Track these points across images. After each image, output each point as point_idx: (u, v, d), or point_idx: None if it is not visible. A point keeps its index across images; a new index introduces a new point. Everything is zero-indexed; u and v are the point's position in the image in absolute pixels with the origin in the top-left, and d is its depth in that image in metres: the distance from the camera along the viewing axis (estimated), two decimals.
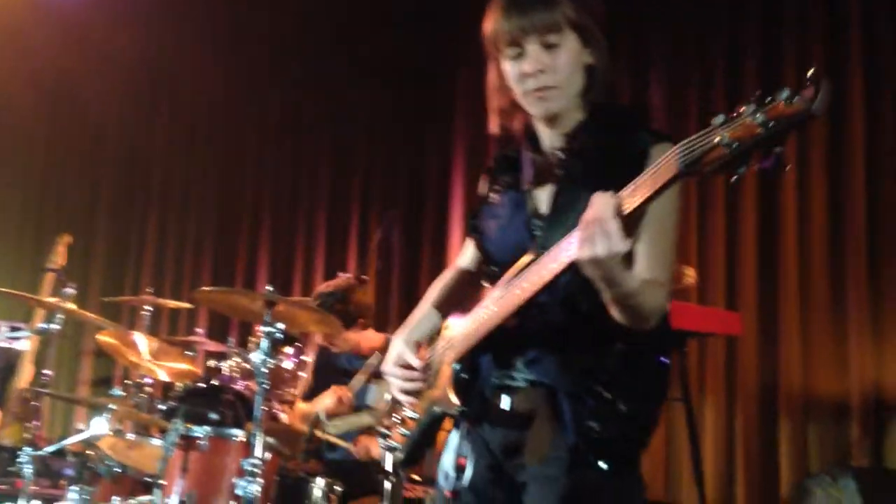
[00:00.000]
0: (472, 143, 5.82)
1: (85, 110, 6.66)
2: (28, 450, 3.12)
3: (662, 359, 1.56)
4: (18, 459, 3.12)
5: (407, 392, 1.69)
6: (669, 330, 1.58)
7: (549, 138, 1.62)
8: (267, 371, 2.87)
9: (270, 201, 6.37)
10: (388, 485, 3.13)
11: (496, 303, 1.53)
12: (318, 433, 3.28)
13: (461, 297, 1.79)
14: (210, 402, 4.50)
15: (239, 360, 5.03)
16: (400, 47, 6.01)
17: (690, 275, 3.41)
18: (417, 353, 1.69)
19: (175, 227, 6.53)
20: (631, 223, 1.31)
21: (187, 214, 6.51)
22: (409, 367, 1.67)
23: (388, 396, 3.26)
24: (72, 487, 2.97)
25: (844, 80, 4.38)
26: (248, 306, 2.95)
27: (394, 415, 1.77)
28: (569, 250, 1.36)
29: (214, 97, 6.54)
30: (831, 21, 4.47)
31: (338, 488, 3.22)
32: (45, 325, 3.30)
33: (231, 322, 6.09)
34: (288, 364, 5.03)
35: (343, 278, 3.89)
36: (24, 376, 4.93)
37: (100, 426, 3.17)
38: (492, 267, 1.65)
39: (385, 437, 1.78)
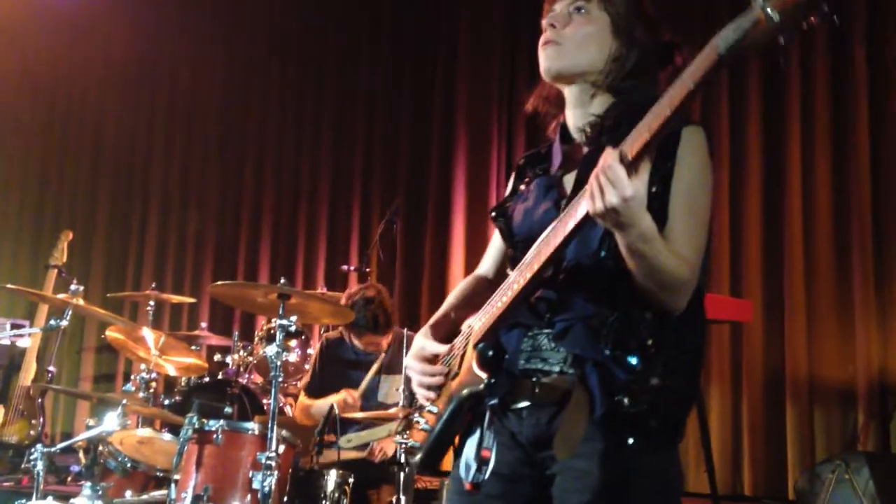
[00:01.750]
0: (474, 134, 5.82)
1: (83, 106, 6.63)
2: (40, 446, 3.09)
3: (699, 332, 1.52)
4: (31, 456, 3.08)
5: (428, 386, 1.63)
6: (703, 310, 1.53)
7: (577, 123, 1.62)
8: (279, 364, 2.86)
9: (271, 194, 6.35)
10: (401, 475, 3.13)
11: (517, 277, 1.49)
12: (339, 442, 3.25)
13: (479, 301, 1.69)
14: (216, 395, 4.51)
15: (243, 353, 5.04)
16: (400, 36, 6.01)
17: None
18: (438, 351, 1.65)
19: (176, 222, 6.50)
20: (640, 165, 1.30)
21: (188, 209, 6.49)
22: (429, 360, 1.63)
23: (399, 391, 3.27)
24: (85, 483, 2.94)
25: (849, 68, 4.40)
26: (262, 300, 2.94)
27: (414, 417, 1.70)
28: (580, 207, 1.35)
29: (213, 91, 6.52)
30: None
31: (351, 480, 3.22)
32: (54, 322, 3.27)
33: (234, 316, 6.08)
34: (293, 357, 5.05)
35: (371, 285, 3.86)
36: (28, 373, 4.91)
37: (112, 422, 3.15)
38: (515, 249, 1.62)
39: (403, 434, 1.72)
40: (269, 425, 2.78)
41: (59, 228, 5.67)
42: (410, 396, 3.51)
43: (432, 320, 1.72)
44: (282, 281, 2.94)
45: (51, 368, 5.06)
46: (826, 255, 4.39)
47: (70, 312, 3.33)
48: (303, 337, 4.98)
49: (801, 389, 4.35)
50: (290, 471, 3.07)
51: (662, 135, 1.26)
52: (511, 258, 1.64)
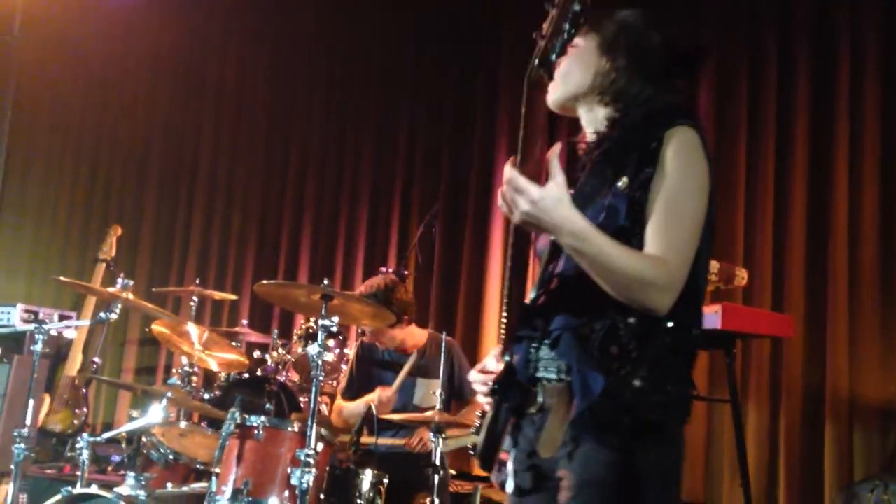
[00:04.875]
0: (515, 136, 5.81)
1: (132, 106, 6.78)
2: (85, 436, 3.19)
3: (685, 336, 1.53)
4: (77, 445, 3.18)
5: (484, 395, 1.69)
6: (698, 314, 1.58)
7: (589, 138, 1.71)
8: (321, 363, 2.91)
9: (312, 195, 6.42)
10: (436, 478, 3.17)
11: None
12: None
13: None
14: (255, 392, 4.58)
15: (282, 351, 5.11)
16: (444, 39, 6.04)
17: (742, 276, 3.40)
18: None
19: (219, 220, 6.61)
20: (535, 166, 1.42)
21: (231, 207, 6.59)
22: (486, 371, 1.69)
23: (436, 395, 3.30)
24: (128, 473, 3.03)
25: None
26: (305, 300, 2.99)
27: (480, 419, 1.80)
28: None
29: (259, 90, 6.62)
30: None
31: (386, 481, 3.26)
32: (103, 315, 3.36)
33: (273, 314, 6.17)
34: (329, 356, 5.11)
35: (382, 276, 3.90)
36: (74, 364, 5.03)
37: (156, 414, 3.23)
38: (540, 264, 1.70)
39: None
40: (309, 423, 2.83)
41: (107, 223, 5.81)
42: (455, 398, 3.55)
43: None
44: (325, 282, 3.00)
45: (95, 360, 5.18)
46: (871, 271, 4.32)
47: (119, 306, 3.42)
48: (339, 337, 5.03)
49: (841, 407, 4.29)
50: (327, 468, 3.12)
51: (533, 129, 1.42)
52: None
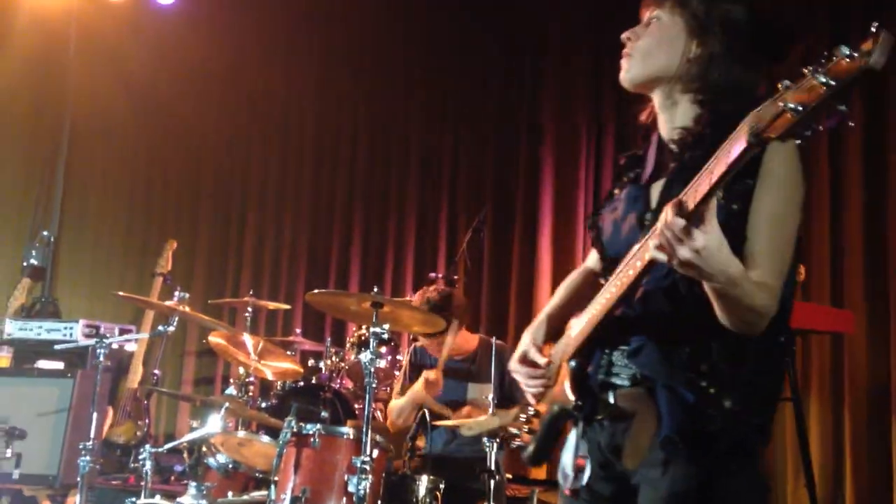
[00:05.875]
0: (561, 138, 5.80)
1: (183, 122, 6.91)
2: (148, 447, 3.26)
3: (778, 354, 1.50)
4: (140, 456, 3.26)
5: (531, 389, 1.69)
6: (787, 328, 1.52)
7: (667, 132, 1.61)
8: (373, 370, 2.93)
9: (361, 205, 6.48)
10: (491, 483, 3.16)
11: (604, 295, 1.52)
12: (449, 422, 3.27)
13: (585, 296, 1.72)
14: (310, 399, 4.63)
15: (336, 359, 5.17)
16: (488, 42, 6.05)
17: (800, 272, 3.31)
18: (542, 351, 1.70)
19: (271, 232, 6.71)
20: (705, 213, 1.27)
21: (283, 219, 6.69)
22: (532, 364, 1.68)
23: (488, 399, 3.30)
24: (190, 483, 3.09)
25: None
26: (356, 308, 3.02)
27: (522, 414, 1.78)
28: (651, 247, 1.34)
29: (306, 104, 6.71)
30: None
31: (442, 486, 3.26)
32: (161, 328, 3.44)
33: (326, 323, 6.24)
34: (381, 363, 5.14)
35: (436, 282, 3.92)
36: (135, 376, 5.15)
37: (214, 423, 3.29)
38: (606, 263, 1.65)
39: (515, 436, 1.79)
40: (364, 430, 2.85)
41: (163, 238, 5.95)
42: (504, 404, 3.54)
43: (540, 318, 1.77)
44: (375, 290, 3.02)
45: (156, 372, 5.30)
46: None
47: (176, 318, 3.49)
48: (392, 344, 5.07)
49: None
50: (383, 475, 3.14)
51: (725, 181, 1.23)
52: (603, 269, 1.67)
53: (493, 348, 3.38)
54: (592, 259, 1.83)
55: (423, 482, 3.24)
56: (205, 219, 6.89)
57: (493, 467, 3.16)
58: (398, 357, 4.96)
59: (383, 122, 6.47)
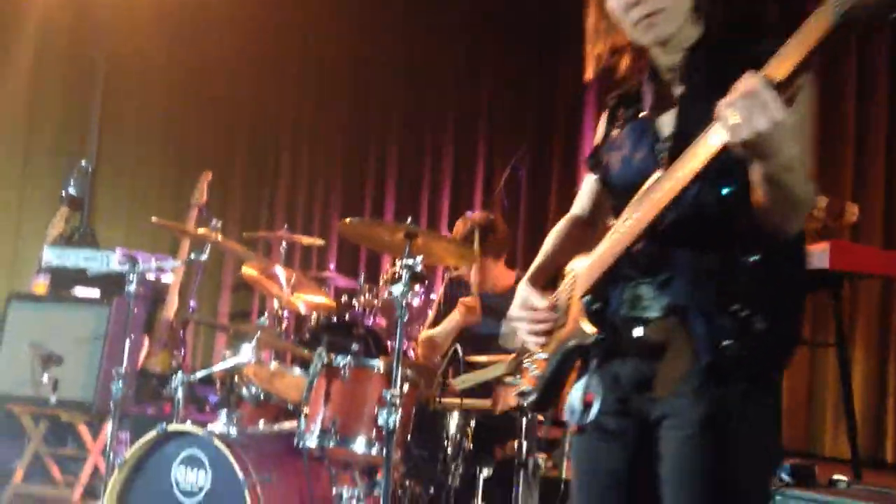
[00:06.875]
0: (604, 76, 5.62)
1: (221, 55, 6.82)
2: (180, 374, 3.26)
3: (799, 272, 1.50)
4: (171, 384, 3.26)
5: (535, 334, 1.66)
6: (802, 244, 1.52)
7: (667, 61, 1.56)
8: (405, 303, 2.86)
9: (397, 140, 6.40)
10: (523, 421, 3.12)
11: (623, 228, 1.50)
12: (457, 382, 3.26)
13: (577, 244, 1.74)
14: (343, 335, 4.62)
15: (369, 296, 5.14)
16: None
17: (853, 211, 3.16)
18: (542, 296, 1.67)
19: (306, 167, 6.68)
20: (785, 96, 1.24)
21: (317, 154, 6.64)
22: (535, 308, 1.65)
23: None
24: (221, 411, 3.09)
25: None
26: (389, 238, 2.95)
27: (524, 360, 1.73)
28: (712, 139, 1.30)
29: (342, 39, 6.58)
30: None
31: (473, 423, 3.23)
32: (193, 257, 3.41)
33: (360, 259, 6.22)
34: (415, 301, 5.10)
35: (479, 213, 3.86)
36: (171, 307, 5.17)
37: (246, 353, 3.28)
38: (617, 199, 1.61)
39: (514, 384, 1.74)
40: (395, 363, 2.80)
41: (199, 170, 5.92)
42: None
43: (533, 269, 1.75)
44: (408, 220, 2.95)
45: (192, 303, 5.32)
46: None
47: (209, 247, 3.46)
48: (426, 282, 5.02)
49: None
50: (413, 410, 3.11)
51: (810, 60, 1.20)
52: (613, 208, 1.63)
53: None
54: (579, 206, 1.82)
55: (454, 419, 3.21)
56: (240, 152, 6.87)
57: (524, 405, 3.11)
58: (431, 296, 4.93)
59: (421, 59, 6.32)
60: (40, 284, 4.93)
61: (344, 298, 5.17)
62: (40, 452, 4.60)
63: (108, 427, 3.33)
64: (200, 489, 2.93)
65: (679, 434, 1.47)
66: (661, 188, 1.41)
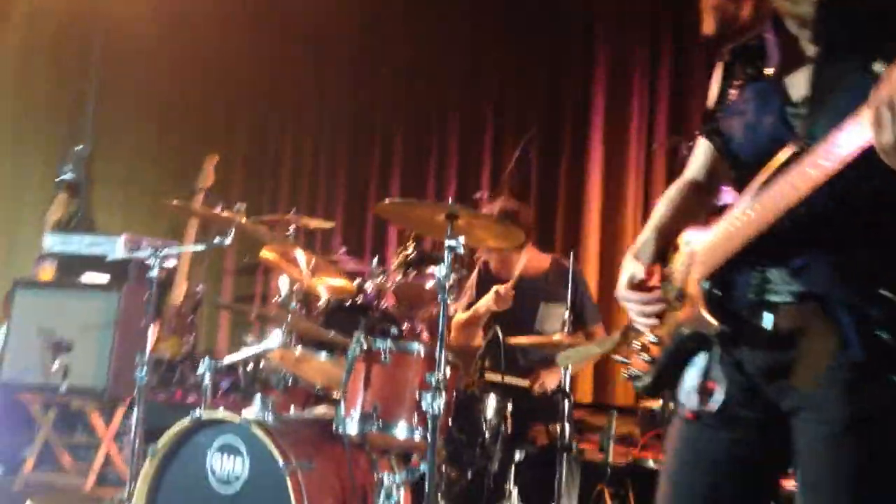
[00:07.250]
0: (614, 56, 5.56)
1: (221, 35, 6.63)
2: (207, 360, 3.17)
3: None
4: (199, 371, 3.17)
5: (647, 315, 1.55)
6: None
7: (795, 10, 1.40)
8: (448, 286, 2.79)
9: (403, 122, 6.30)
10: (565, 404, 3.08)
11: (752, 208, 1.35)
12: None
13: (691, 214, 1.61)
14: (357, 318, 4.54)
15: (381, 279, 5.06)
16: None
17: None
18: (651, 273, 1.55)
19: (310, 150, 6.57)
20: None
21: (321, 137, 6.54)
22: (645, 288, 1.54)
23: (565, 318, 3.18)
24: (256, 395, 3.00)
25: None
26: (430, 219, 2.88)
27: (633, 341, 1.63)
28: (860, 132, 1.16)
29: (346, 18, 6.44)
30: None
31: (510, 406, 3.18)
32: (218, 240, 3.32)
33: (365, 243, 6.14)
34: (429, 283, 5.04)
35: (501, 199, 3.80)
36: (179, 291, 5.07)
37: (276, 338, 3.20)
38: (740, 171, 1.48)
39: (624, 363, 1.64)
40: (439, 346, 2.73)
41: (198, 154, 5.78)
42: (574, 324, 3.44)
43: (640, 242, 1.60)
44: (450, 200, 2.87)
45: (198, 288, 5.22)
46: None
47: (233, 231, 3.37)
48: (457, 265, 4.96)
49: None
50: (454, 393, 3.05)
51: None
52: (735, 180, 1.50)
53: (570, 265, 3.27)
54: (694, 169, 1.67)
55: (491, 402, 3.16)
56: (241, 136, 6.74)
57: (566, 388, 3.07)
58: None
59: (426, 36, 6.21)
60: (46, 270, 4.81)
61: (357, 281, 5.10)
62: (50, 441, 4.50)
63: (133, 414, 3.24)
64: (237, 477, 2.85)
65: (822, 430, 1.36)
66: (802, 173, 1.26)
